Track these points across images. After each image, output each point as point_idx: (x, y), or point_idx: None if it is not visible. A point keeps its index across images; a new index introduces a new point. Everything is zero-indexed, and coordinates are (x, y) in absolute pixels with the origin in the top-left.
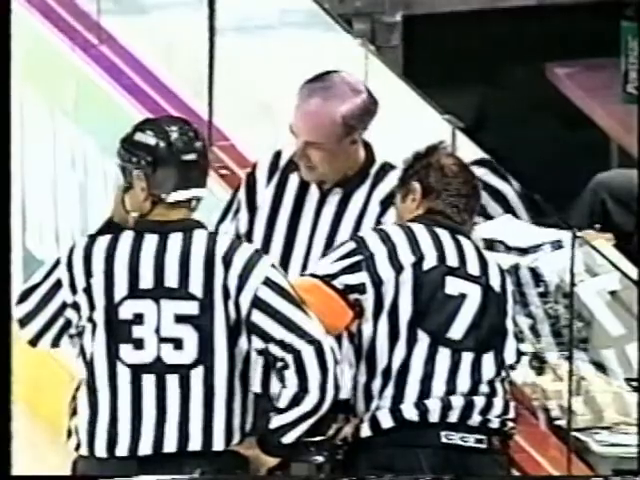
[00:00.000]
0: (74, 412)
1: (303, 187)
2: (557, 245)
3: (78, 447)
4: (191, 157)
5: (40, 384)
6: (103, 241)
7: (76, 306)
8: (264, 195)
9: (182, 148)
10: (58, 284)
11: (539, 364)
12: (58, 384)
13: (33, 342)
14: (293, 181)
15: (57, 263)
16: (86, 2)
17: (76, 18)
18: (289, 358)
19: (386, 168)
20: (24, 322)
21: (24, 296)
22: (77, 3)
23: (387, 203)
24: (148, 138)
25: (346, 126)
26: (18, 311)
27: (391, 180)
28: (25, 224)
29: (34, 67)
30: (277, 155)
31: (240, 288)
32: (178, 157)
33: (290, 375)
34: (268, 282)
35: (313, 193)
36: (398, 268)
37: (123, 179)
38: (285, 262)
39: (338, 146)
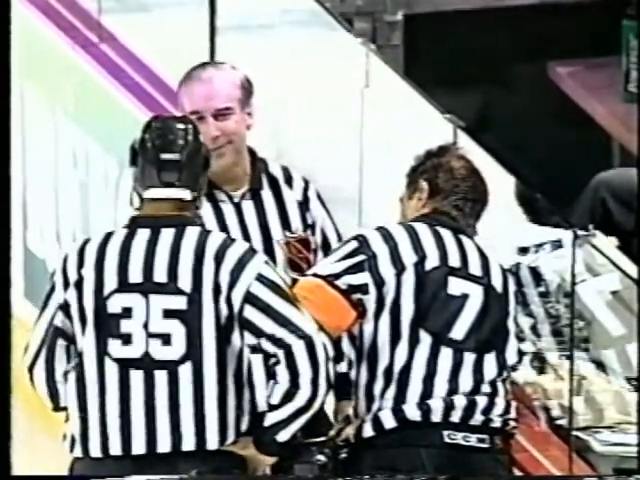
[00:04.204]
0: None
1: (217, 207)
2: (558, 245)
3: (72, 448)
4: (170, 157)
5: None
6: (97, 237)
7: (67, 306)
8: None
9: (161, 147)
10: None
11: (540, 364)
12: None
13: (30, 368)
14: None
15: (52, 275)
16: (87, 0)
17: (77, 16)
18: (280, 353)
19: (264, 160)
20: (26, 348)
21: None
22: (78, 1)
23: (290, 183)
24: (141, 134)
25: (244, 90)
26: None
27: (274, 166)
28: (26, 223)
29: (34, 66)
30: None
31: (232, 284)
32: (156, 155)
33: (281, 370)
34: (261, 278)
35: (227, 208)
36: (400, 268)
37: None
38: None
39: (242, 114)
